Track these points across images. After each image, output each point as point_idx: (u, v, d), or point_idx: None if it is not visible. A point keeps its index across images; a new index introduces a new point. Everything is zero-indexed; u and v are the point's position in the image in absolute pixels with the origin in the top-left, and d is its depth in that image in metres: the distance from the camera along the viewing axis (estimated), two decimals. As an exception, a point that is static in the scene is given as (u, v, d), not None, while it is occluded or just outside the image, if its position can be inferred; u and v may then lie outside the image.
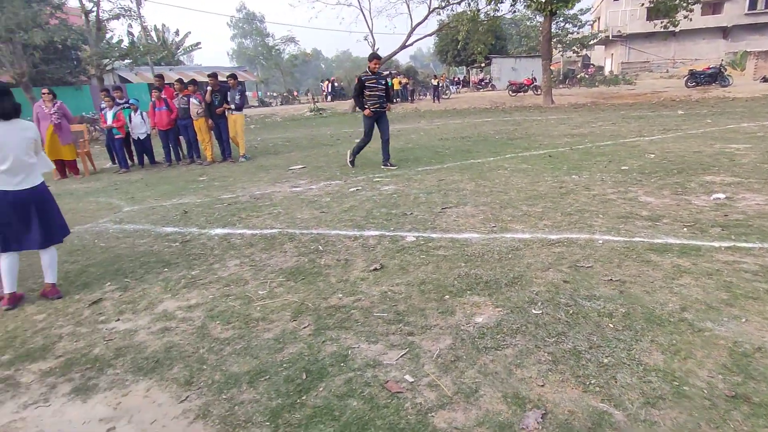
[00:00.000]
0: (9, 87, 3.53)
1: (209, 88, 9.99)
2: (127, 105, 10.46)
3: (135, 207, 6.70)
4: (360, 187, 6.78)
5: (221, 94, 10.07)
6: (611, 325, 2.69)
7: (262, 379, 2.41)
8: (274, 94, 51.25)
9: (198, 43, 48.05)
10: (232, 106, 10.10)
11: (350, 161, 8.54)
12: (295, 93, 50.25)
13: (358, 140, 8.72)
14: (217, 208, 6.16)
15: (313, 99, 35.60)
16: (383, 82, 8.01)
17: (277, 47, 55.62)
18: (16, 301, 3.58)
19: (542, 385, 2.21)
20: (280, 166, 9.40)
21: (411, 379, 2.32)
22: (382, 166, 8.27)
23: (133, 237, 5.16)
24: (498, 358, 2.46)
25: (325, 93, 42.69)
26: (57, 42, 20.66)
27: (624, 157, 7.67)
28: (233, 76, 10.22)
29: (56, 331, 3.12)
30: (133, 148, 10.89)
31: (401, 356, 2.53)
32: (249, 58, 63.82)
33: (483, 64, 40.79)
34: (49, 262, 3.67)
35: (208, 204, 6.48)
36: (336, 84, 45.05)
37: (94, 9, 21.54)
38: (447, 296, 3.19)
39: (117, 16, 22.67)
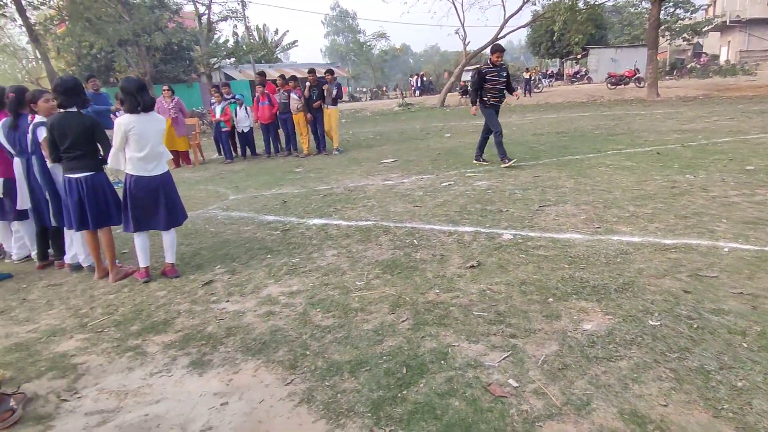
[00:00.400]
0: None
1: (308, 83, 10.38)
2: (233, 100, 11.17)
3: (239, 195, 7.14)
4: (452, 182, 6.68)
5: (318, 89, 10.42)
6: (744, 345, 2.40)
7: (363, 369, 2.44)
8: (364, 90, 52.23)
9: (295, 41, 50.22)
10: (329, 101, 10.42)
11: (506, 160, 7.50)
12: (384, 88, 50.83)
13: (477, 135, 8.19)
14: (314, 199, 6.39)
15: (402, 94, 35.78)
16: (504, 75, 7.56)
17: (368, 43, 56.61)
18: (149, 275, 3.96)
19: (665, 405, 2.02)
20: (371, 159, 9.54)
21: (515, 384, 2.23)
22: (474, 161, 8.06)
23: (238, 224, 5.50)
24: (611, 369, 2.28)
25: (413, 88, 42.72)
26: (174, 43, 22.63)
27: (747, 156, 6.84)
28: (331, 72, 10.53)
29: (175, 308, 3.40)
30: (237, 140, 11.62)
31: (504, 359, 2.44)
32: (340, 54, 65.58)
33: (579, 56, 38.50)
34: (169, 243, 4.01)
35: (305, 195, 6.73)
36: (425, 78, 44.90)
37: (206, 12, 23.25)
38: (551, 299, 3.03)
39: (225, 18, 24.32)
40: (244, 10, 27.09)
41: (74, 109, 3.78)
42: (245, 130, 11.25)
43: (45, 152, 3.92)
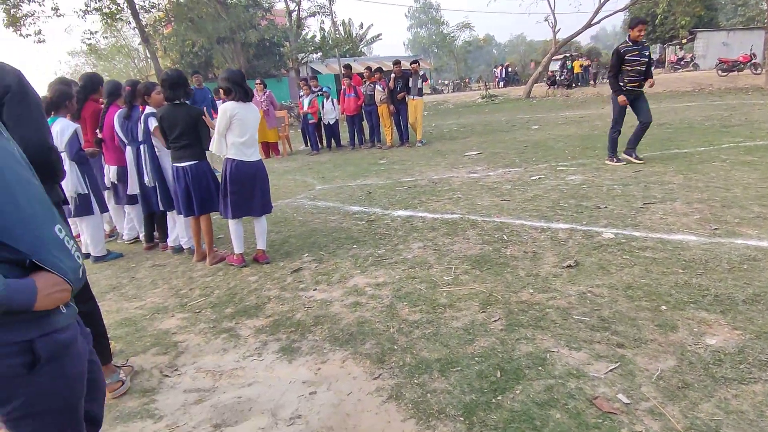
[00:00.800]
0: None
1: (393, 75, 10.35)
2: (320, 93, 11.43)
3: (325, 186, 7.28)
4: (542, 176, 6.32)
5: (403, 80, 10.36)
6: None
7: (453, 369, 2.33)
8: (446, 82, 51.57)
9: (379, 35, 50.60)
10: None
11: (618, 158, 6.78)
12: (467, 80, 49.83)
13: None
14: (398, 191, 6.34)
15: (485, 85, 34.83)
16: (646, 54, 6.41)
17: (451, 34, 55.74)
18: (242, 260, 4.13)
19: (818, 441, 1.70)
20: (456, 151, 9.33)
21: (626, 401, 2.00)
22: (624, 154, 6.75)
23: (325, 213, 5.58)
24: (744, 393, 1.98)
25: (497, 79, 41.42)
26: (266, 40, 23.69)
27: None
28: (416, 61, 10.43)
29: (266, 293, 3.49)
30: (323, 132, 11.90)
31: (610, 370, 2.21)
32: (423, 47, 65.28)
33: (684, 40, 35.06)
34: (261, 230, 4.14)
35: (390, 186, 6.71)
36: (509, 69, 43.35)
37: (296, 8, 24.07)
38: (663, 307, 2.71)
39: (313, 14, 25.02)
40: (331, 5, 27.75)
41: (180, 101, 4.01)
42: (331, 122, 11.47)
43: (159, 140, 4.21)
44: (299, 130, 12.91)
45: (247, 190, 3.97)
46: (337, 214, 5.49)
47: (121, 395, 2.38)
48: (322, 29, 34.20)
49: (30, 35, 17.69)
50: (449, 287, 3.26)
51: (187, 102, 4.08)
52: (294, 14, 24.36)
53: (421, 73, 10.43)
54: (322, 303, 3.23)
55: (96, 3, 18.04)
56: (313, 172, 8.74)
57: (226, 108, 3.85)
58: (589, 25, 24.77)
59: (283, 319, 3.05)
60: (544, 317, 2.72)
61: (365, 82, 10.89)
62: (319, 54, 29.56)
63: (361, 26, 50.78)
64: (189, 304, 3.44)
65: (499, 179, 6.43)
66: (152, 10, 20.26)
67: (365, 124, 11.37)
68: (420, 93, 10.56)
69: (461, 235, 4.27)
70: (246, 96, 3.86)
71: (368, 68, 10.94)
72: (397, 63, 10.59)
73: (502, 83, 40.06)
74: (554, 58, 25.53)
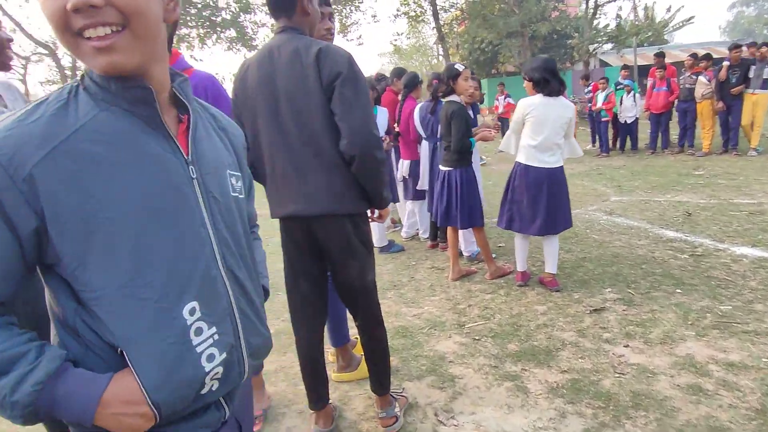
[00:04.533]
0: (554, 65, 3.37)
1: (726, 62, 8.07)
2: (622, 86, 9.87)
3: (623, 198, 6.06)
4: None
5: (741, 70, 7.96)
6: None
7: None
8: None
9: (690, 18, 42.53)
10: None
11: None
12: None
13: None
14: (733, 216, 4.72)
15: None
16: None
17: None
18: (526, 278, 3.58)
19: None
20: (823, 167, 6.67)
21: None
22: None
23: (628, 234, 4.51)
24: None
25: None
26: (556, 32, 22.38)
27: None
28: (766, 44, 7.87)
29: (558, 334, 2.81)
30: (617, 131, 10.31)
31: None
32: (745, 30, 52.25)
33: None
34: (551, 251, 3.46)
35: (718, 208, 5.08)
36: None
37: (596, -6, 21.93)
38: None
39: (614, -2, 22.35)
40: (637, -14, 24.28)
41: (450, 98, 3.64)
42: (629, 121, 9.79)
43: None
44: (589, 128, 11.53)
45: (528, 201, 3.34)
46: (644, 238, 4.35)
47: (393, 432, 2.09)
48: (618, 16, 30.50)
49: (353, 40, 21.02)
50: None
51: (453, 98, 3.67)
52: (592, 1, 22.21)
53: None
54: (640, 371, 2.37)
55: (404, 8, 20.01)
56: (605, 178, 7.49)
57: (521, 104, 3.35)
58: None
59: (585, 382, 2.32)
60: None
61: (684, 72, 8.83)
62: (613, 44, 26.38)
63: (668, 9, 43.74)
64: (468, 325, 3.03)
65: None
66: (450, 10, 21.36)
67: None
68: (766, 86, 7.96)
69: None
70: (554, 90, 3.22)
71: (693, 55, 8.82)
72: (735, 47, 8.21)
73: None
74: None
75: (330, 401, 2.12)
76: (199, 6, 16.71)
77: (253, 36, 18.05)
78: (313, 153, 1.71)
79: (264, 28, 18.20)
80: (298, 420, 2.23)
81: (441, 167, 3.76)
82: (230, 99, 1.90)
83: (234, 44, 17.98)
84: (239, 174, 0.95)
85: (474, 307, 3.29)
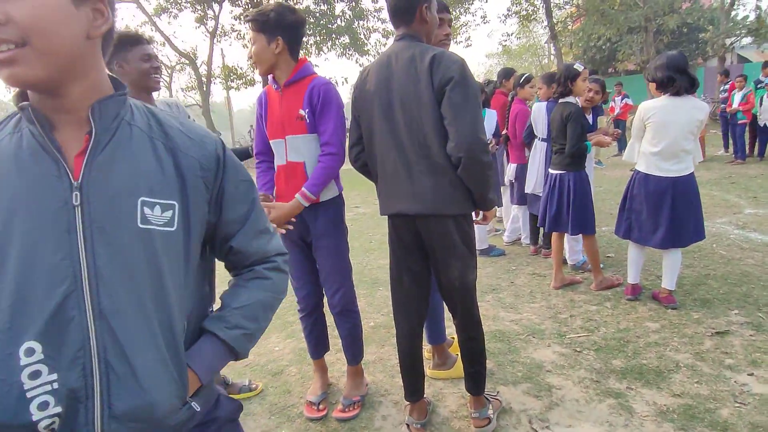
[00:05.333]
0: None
1: None
2: (762, 85, 8.74)
3: (759, 210, 5.38)
4: None
5: None
6: None
7: None
8: None
9: None
10: None
11: None
12: None
13: None
14: None
15: None
16: None
17: None
18: (636, 292, 3.37)
19: None
20: None
21: None
22: None
23: (762, 252, 4.02)
24: None
25: None
26: (687, 24, 20.32)
27: None
28: None
29: (671, 355, 2.61)
30: (756, 136, 9.13)
31: None
32: None
33: None
34: (670, 264, 3.20)
35: None
36: None
37: (736, -19, 19.54)
38: None
39: (762, -16, 19.74)
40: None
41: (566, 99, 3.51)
42: (771, 124, 8.63)
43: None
44: (721, 132, 10.33)
45: (649, 210, 3.13)
46: (785, 258, 3.85)
47: (483, 436, 2.10)
48: (758, 7, 26.76)
49: (461, 42, 20.89)
50: None
51: (569, 100, 3.50)
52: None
53: None
54: (763, 402, 2.13)
55: (516, 7, 19.46)
56: (739, 187, 6.69)
57: (641, 108, 3.16)
58: None
59: (699, 409, 2.14)
60: None
61: None
62: (751, 39, 23.22)
63: (833, -6, 37.39)
64: (568, 335, 2.93)
65: None
66: (565, 7, 20.36)
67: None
68: None
69: None
70: (681, 89, 2.98)
71: None
72: None
73: None
74: None
75: (425, 396, 2.20)
76: (317, 15, 17.71)
77: (366, 41, 18.71)
78: (422, 155, 1.81)
79: (376, 34, 18.79)
80: (393, 410, 2.33)
81: (551, 170, 3.66)
82: (341, 105, 2.08)
83: (347, 50, 18.78)
84: (170, 202, 0.81)
85: (576, 318, 3.17)
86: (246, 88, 19.17)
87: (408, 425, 2.13)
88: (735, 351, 2.59)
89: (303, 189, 2.05)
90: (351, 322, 2.33)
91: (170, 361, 0.80)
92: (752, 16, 25.47)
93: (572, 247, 4.05)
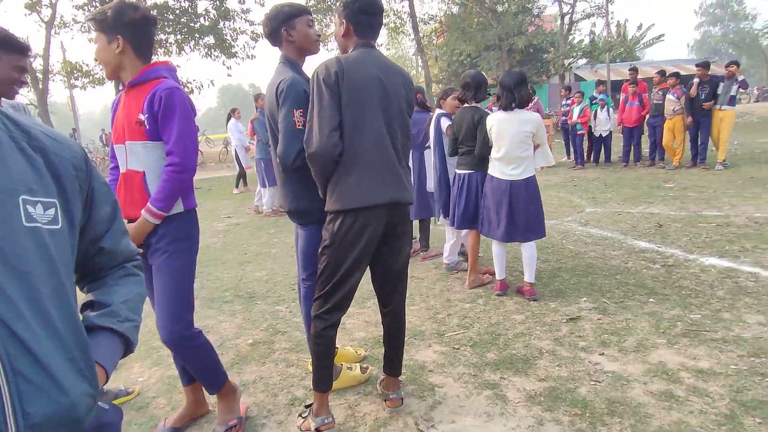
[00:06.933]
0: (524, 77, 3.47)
1: (696, 80, 8.39)
2: (597, 101, 10.15)
3: (598, 209, 6.21)
4: None
5: (711, 87, 8.29)
6: None
7: None
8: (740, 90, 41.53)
9: (661, 36, 44.00)
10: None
11: None
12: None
13: None
14: (702, 228, 4.88)
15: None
16: None
17: (765, 30, 44.74)
18: (504, 288, 3.64)
19: None
20: (784, 181, 6.96)
21: None
22: None
23: (602, 245, 4.62)
24: None
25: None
26: (532, 45, 22.90)
27: None
28: (736, 63, 8.22)
29: (536, 343, 2.86)
30: (592, 144, 10.58)
31: None
32: (712, 48, 54.52)
33: None
34: (528, 259, 3.52)
35: (688, 220, 5.26)
36: None
37: (570, 11, 22.56)
38: None
39: (589, 15, 23.07)
40: (608, 5, 25.09)
41: (471, 104, 3.77)
42: (603, 134, 10.07)
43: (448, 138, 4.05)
44: (563, 141, 11.78)
45: (495, 209, 3.49)
46: (618, 249, 4.47)
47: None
48: (592, 32, 31.38)
49: (333, 50, 21.02)
50: (840, 410, 2.05)
51: (477, 105, 3.77)
52: (567, 17, 22.84)
53: (740, 78, 8.15)
54: (614, 379, 2.42)
55: (385, 19, 20.22)
56: (581, 189, 7.67)
57: (487, 120, 3.55)
58: None
59: (561, 390, 2.37)
60: None
61: (654, 88, 9.15)
62: (587, 60, 27.13)
63: (639, 27, 45.14)
64: (447, 334, 3.06)
65: None
66: (430, 22, 21.67)
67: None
68: (732, 102, 8.32)
69: (838, 317, 2.83)
70: (513, 103, 3.37)
71: (660, 72, 9.15)
72: (702, 65, 8.55)
73: None
74: None
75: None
76: (177, 12, 16.53)
77: (233, 43, 17.91)
78: (405, 149, 2.14)
79: (244, 36, 18.09)
80: (278, 431, 2.21)
81: (458, 171, 3.87)
82: (188, 111, 1.90)
83: (212, 51, 17.81)
84: (50, 200, 0.80)
85: (453, 317, 3.32)
86: (93, 87, 17.08)
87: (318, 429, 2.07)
88: (587, 334, 2.92)
89: (148, 204, 1.86)
90: (192, 353, 2.03)
91: (80, 359, 0.79)
92: (587, 41, 29.61)
93: (448, 247, 4.26)
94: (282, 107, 2.04)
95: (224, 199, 9.85)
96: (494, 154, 3.50)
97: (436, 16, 21.83)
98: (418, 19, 19.70)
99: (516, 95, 3.35)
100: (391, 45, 27.01)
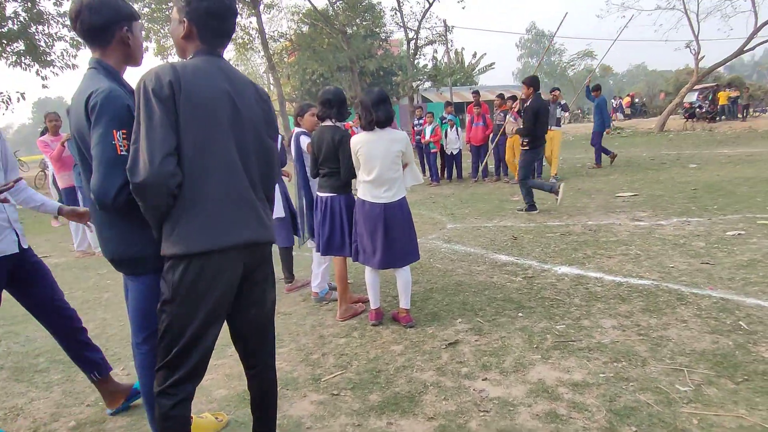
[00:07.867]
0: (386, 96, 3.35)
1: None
2: (446, 121, 10.78)
3: (458, 225, 6.44)
4: (742, 231, 4.91)
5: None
6: None
7: None
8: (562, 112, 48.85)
9: (492, 64, 49.65)
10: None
11: None
12: (580, 111, 46.78)
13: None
14: (550, 238, 5.30)
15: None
16: None
17: (570, 63, 53.21)
18: (380, 317, 3.43)
19: None
20: (602, 191, 8.04)
21: None
22: None
23: (467, 261, 4.72)
24: None
25: (614, 111, 38.05)
26: (382, 68, 23.94)
27: None
28: (557, 89, 9.37)
29: (418, 375, 2.68)
30: (444, 162, 11.19)
31: None
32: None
33: None
34: (403, 285, 3.38)
35: (537, 231, 5.69)
36: (636, 100, 39.86)
37: (414, 37, 24.11)
38: None
39: (431, 42, 24.90)
40: (447, 33, 27.47)
41: (333, 122, 3.51)
42: (454, 152, 10.74)
43: (310, 160, 3.73)
44: (417, 159, 12.30)
45: (369, 235, 3.30)
46: (482, 264, 4.60)
47: None
48: (434, 58, 34.11)
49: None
50: (694, 407, 2.20)
51: (338, 124, 3.54)
52: (413, 43, 24.38)
53: (562, 102, 9.33)
54: (501, 406, 2.34)
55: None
56: (440, 206, 7.96)
57: (352, 141, 3.32)
58: (741, 52, 21.74)
59: (452, 427, 2.20)
60: None
61: (496, 110, 10.04)
62: (432, 83, 29.36)
63: (474, 55, 50.35)
64: (324, 378, 2.73)
65: (679, 231, 5.14)
66: (279, 40, 21.33)
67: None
68: (558, 123, 9.47)
69: (671, 315, 3.16)
70: (372, 123, 3.20)
71: (500, 95, 10.08)
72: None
73: (621, 115, 36.73)
74: (696, 87, 22.76)
75: None
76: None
77: (48, 50, 15.48)
78: (264, 179, 1.79)
79: (62, 42, 15.76)
80: None
81: (320, 194, 3.57)
82: None
83: (23, 58, 15.18)
84: None
85: (329, 356, 3.01)
86: None
87: None
88: (467, 359, 2.83)
89: None
90: None
91: None
92: (430, 65, 31.94)
93: (317, 274, 3.94)
94: (96, 127, 1.57)
95: (40, 235, 8.25)
96: (364, 176, 3.27)
97: (287, 34, 21.60)
98: (267, 36, 19.25)
99: (375, 114, 3.20)
100: (240, 61, 26.02)
